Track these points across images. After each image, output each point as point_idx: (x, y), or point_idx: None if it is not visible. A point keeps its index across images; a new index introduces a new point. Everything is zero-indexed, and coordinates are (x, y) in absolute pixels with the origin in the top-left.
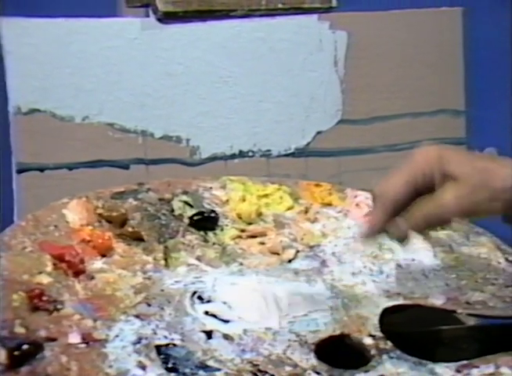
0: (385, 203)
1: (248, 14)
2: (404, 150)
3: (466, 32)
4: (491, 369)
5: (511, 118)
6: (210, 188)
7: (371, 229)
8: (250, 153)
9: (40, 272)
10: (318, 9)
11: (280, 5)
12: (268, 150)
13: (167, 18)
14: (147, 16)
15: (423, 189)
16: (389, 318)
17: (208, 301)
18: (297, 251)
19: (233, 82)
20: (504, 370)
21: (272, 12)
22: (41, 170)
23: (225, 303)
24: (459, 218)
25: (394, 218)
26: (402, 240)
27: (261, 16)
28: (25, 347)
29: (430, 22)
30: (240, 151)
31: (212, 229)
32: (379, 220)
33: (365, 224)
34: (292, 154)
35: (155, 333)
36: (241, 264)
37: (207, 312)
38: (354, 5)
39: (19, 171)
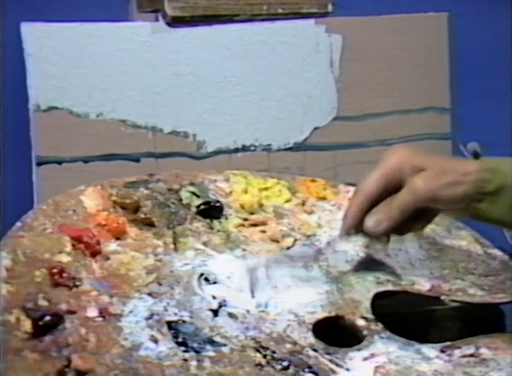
0: (359, 198)
1: (250, 18)
2: (394, 145)
3: (451, 35)
4: (471, 350)
5: (493, 115)
6: (215, 180)
7: (348, 224)
8: (252, 148)
9: (60, 252)
10: (315, 14)
11: (280, 11)
12: (269, 145)
13: (175, 22)
14: (157, 20)
15: (395, 185)
16: (380, 302)
17: (214, 283)
18: (295, 240)
19: (236, 82)
20: (483, 350)
21: (272, 17)
22: (59, 163)
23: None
24: (430, 204)
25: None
26: (379, 238)
27: (263, 20)
28: (48, 318)
29: (418, 26)
30: (243, 145)
31: (217, 217)
32: (354, 215)
33: (343, 220)
34: (291, 148)
35: (166, 310)
36: (244, 250)
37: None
38: (348, 10)
39: (39, 164)
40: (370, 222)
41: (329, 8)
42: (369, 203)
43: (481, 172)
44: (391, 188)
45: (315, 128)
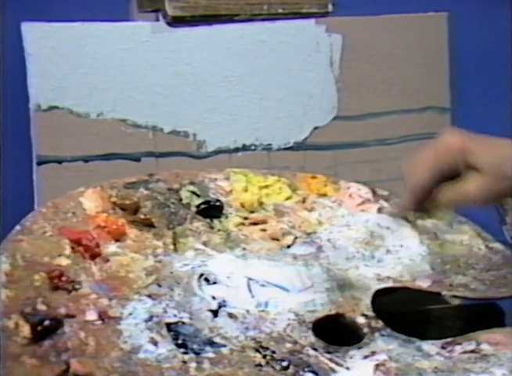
0: (414, 190)
1: (251, 18)
2: (394, 144)
3: (451, 35)
4: (472, 346)
5: (493, 115)
6: (215, 179)
7: (401, 211)
8: (253, 147)
9: (59, 255)
10: (315, 13)
11: (280, 10)
12: (269, 144)
13: (175, 22)
14: (157, 20)
15: (448, 173)
16: (380, 299)
17: (214, 283)
18: (296, 238)
19: (237, 81)
20: (484, 346)
21: (272, 17)
22: (59, 162)
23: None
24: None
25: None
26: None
27: (263, 20)
28: (47, 323)
29: (418, 26)
30: (243, 145)
31: (217, 216)
32: (408, 205)
33: (397, 205)
34: (291, 148)
35: (165, 311)
36: (244, 249)
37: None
38: (348, 10)
39: (39, 163)
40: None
41: (330, 8)
42: (423, 195)
43: None
44: (444, 176)
45: (315, 128)
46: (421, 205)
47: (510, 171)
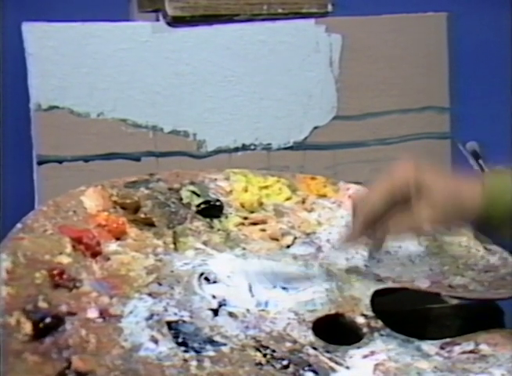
0: (365, 215)
1: (251, 18)
2: (393, 144)
3: (450, 35)
4: (471, 346)
5: (492, 114)
6: (215, 179)
7: (351, 237)
8: (252, 147)
9: (60, 253)
10: (315, 13)
11: (280, 10)
12: (269, 144)
13: (175, 22)
14: (157, 20)
15: (400, 200)
16: (379, 299)
17: (214, 282)
18: (295, 238)
19: (237, 81)
20: (483, 346)
21: (272, 17)
22: (60, 162)
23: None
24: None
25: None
26: (377, 250)
27: (263, 20)
28: (48, 320)
29: (417, 26)
30: (243, 145)
31: (217, 216)
32: (358, 230)
33: (345, 232)
34: (291, 148)
35: (166, 310)
36: (244, 249)
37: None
38: (348, 10)
39: (40, 163)
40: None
41: (329, 8)
42: (373, 219)
43: (483, 207)
44: (396, 203)
45: (315, 128)
46: (370, 231)
47: (457, 204)
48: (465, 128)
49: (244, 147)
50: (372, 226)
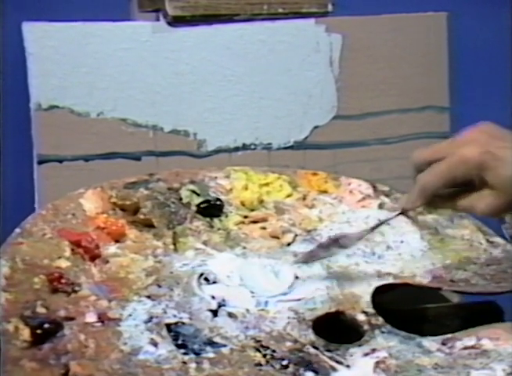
0: (426, 193)
1: (251, 18)
2: (393, 143)
3: (450, 35)
4: (473, 341)
5: (492, 114)
6: (215, 178)
7: (411, 207)
8: (253, 146)
9: (59, 257)
10: (315, 13)
11: (280, 10)
12: (269, 143)
13: (176, 22)
14: (157, 20)
15: (460, 182)
16: (380, 296)
17: (214, 283)
18: (296, 235)
19: (237, 81)
20: (484, 342)
21: (272, 17)
22: (60, 161)
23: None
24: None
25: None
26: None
27: (263, 19)
28: (46, 326)
29: (417, 25)
30: (243, 144)
31: (217, 215)
32: (418, 204)
33: (405, 202)
34: (291, 147)
35: (165, 312)
36: (244, 248)
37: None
38: (348, 10)
39: (40, 162)
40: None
41: (329, 7)
42: (433, 197)
43: None
44: (456, 185)
45: (315, 127)
46: (428, 204)
47: None
48: (465, 128)
49: (244, 147)
50: (430, 201)
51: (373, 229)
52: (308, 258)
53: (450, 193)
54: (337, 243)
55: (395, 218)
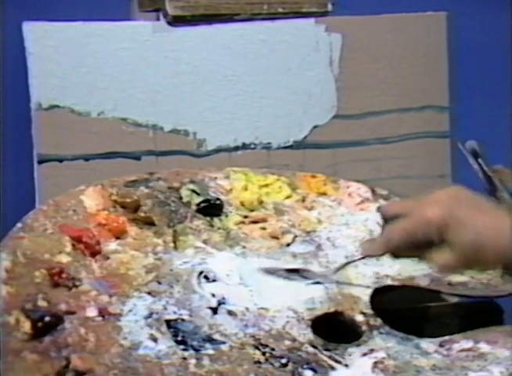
0: (388, 246)
1: (251, 18)
2: (393, 143)
3: (450, 34)
4: (470, 344)
5: (492, 113)
6: (215, 178)
7: (373, 253)
8: (253, 146)
9: (60, 252)
10: (315, 13)
11: (280, 10)
12: (269, 143)
13: (176, 21)
14: (158, 19)
15: (422, 241)
16: (379, 297)
17: (214, 281)
18: (295, 236)
19: (237, 80)
20: (482, 344)
21: (272, 16)
22: (60, 161)
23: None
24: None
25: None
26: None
27: (263, 19)
28: (47, 319)
29: (417, 25)
30: (243, 144)
31: (217, 215)
32: (379, 253)
33: (369, 248)
34: (291, 147)
35: (165, 308)
36: (244, 247)
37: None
38: (348, 9)
39: (40, 162)
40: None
41: (329, 7)
42: (395, 251)
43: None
44: (417, 243)
45: (315, 127)
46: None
47: (479, 258)
48: (464, 127)
49: (244, 146)
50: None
51: (337, 270)
52: (271, 272)
53: (413, 246)
54: (300, 273)
55: (359, 261)
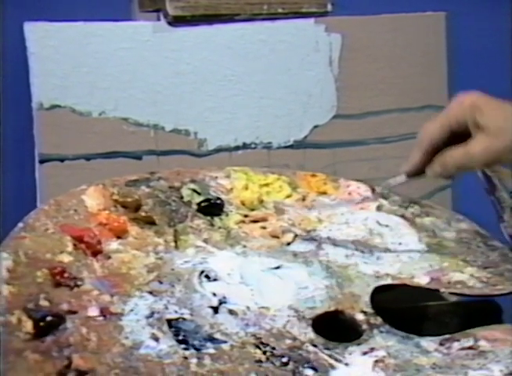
0: (422, 144)
1: (251, 18)
2: (393, 143)
3: (449, 34)
4: (470, 342)
5: None
6: (216, 177)
7: (411, 165)
8: (253, 145)
9: (61, 252)
10: (314, 13)
11: (280, 10)
12: (269, 143)
13: (176, 22)
14: (158, 19)
15: (458, 133)
16: (379, 296)
17: (215, 280)
18: (296, 235)
19: (237, 80)
20: (482, 343)
21: (272, 16)
22: (62, 160)
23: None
24: (489, 166)
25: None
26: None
27: (263, 19)
28: (49, 318)
29: (416, 25)
30: (244, 143)
31: (218, 214)
32: (417, 159)
33: (406, 162)
34: (291, 146)
35: (166, 308)
36: (244, 246)
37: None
38: (347, 9)
39: (42, 162)
40: (430, 172)
41: (329, 7)
42: (431, 149)
43: None
44: (454, 136)
45: (315, 126)
46: (428, 161)
47: None
48: None
49: (245, 146)
50: (429, 156)
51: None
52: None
53: (449, 139)
54: None
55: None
